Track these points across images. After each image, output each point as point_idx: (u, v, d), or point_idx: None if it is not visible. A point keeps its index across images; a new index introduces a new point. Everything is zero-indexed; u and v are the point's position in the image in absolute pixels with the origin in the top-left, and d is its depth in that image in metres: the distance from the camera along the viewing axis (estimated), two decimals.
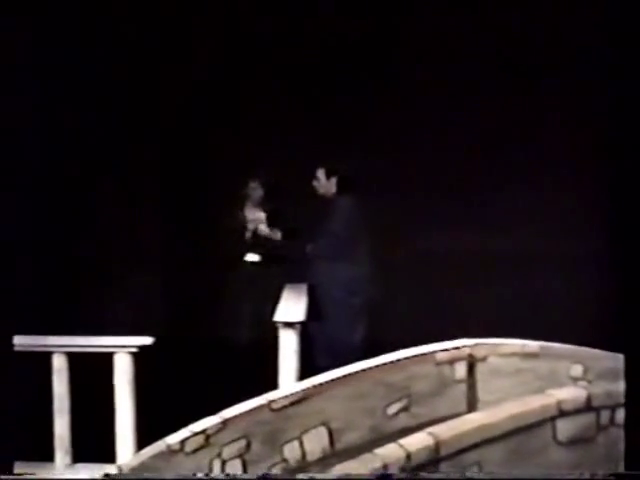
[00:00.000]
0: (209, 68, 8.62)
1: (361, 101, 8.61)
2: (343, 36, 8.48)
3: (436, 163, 8.56)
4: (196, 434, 4.80)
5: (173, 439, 4.79)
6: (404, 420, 5.17)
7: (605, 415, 4.17)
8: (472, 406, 5.33)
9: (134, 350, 6.56)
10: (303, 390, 5.01)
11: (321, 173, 7.69)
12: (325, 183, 7.65)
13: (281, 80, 8.64)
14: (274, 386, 6.13)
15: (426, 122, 8.64)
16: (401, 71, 8.63)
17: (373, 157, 8.29)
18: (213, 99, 8.68)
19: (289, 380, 6.40)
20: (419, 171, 8.50)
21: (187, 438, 4.79)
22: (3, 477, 3.77)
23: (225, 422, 4.86)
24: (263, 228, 8.18)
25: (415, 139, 8.67)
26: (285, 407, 4.96)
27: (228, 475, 4.50)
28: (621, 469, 4.20)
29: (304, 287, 7.65)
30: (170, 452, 4.74)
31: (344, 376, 5.08)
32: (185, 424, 4.90)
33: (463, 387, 5.45)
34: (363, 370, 5.14)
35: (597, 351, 5.70)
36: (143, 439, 5.91)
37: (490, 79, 8.47)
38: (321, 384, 5.05)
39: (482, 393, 5.44)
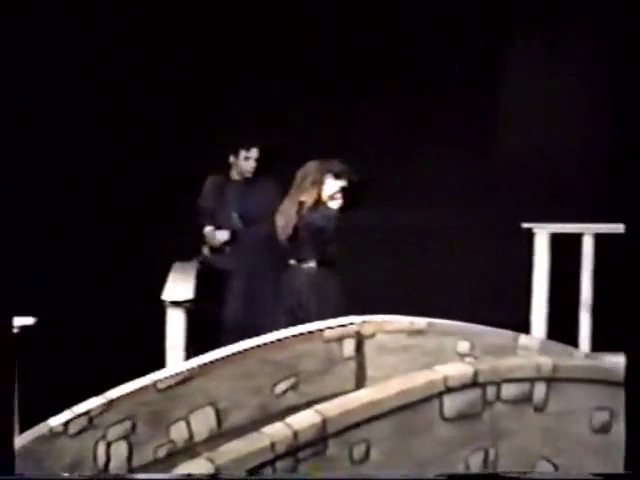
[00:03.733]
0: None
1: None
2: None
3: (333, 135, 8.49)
4: (79, 416, 4.70)
5: (56, 421, 4.69)
6: (292, 399, 5.15)
7: (491, 391, 4.20)
8: (360, 383, 5.33)
9: (15, 331, 6.38)
10: (189, 370, 4.95)
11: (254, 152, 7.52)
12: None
13: None
14: (162, 366, 6.04)
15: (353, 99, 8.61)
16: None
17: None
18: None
19: (177, 360, 6.33)
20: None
21: (70, 420, 4.69)
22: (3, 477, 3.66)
23: (110, 403, 4.77)
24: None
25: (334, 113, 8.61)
26: (171, 387, 4.89)
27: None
28: (507, 444, 4.24)
29: (193, 265, 7.57)
30: (53, 435, 4.64)
31: (230, 355, 5.03)
32: (69, 406, 4.79)
33: (351, 364, 5.44)
34: (250, 349, 5.10)
35: (484, 327, 5.75)
36: (25, 422, 5.76)
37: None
38: (207, 364, 4.99)
39: (370, 370, 5.44)
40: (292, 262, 6.58)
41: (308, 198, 6.51)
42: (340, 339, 5.41)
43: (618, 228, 8.45)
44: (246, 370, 5.07)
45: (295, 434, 3.73)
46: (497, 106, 9.02)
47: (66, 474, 3.93)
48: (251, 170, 7.70)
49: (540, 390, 4.33)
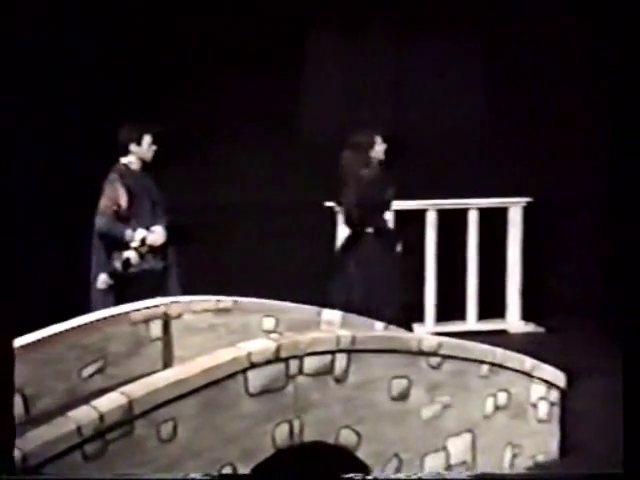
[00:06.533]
0: None
1: None
2: None
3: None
4: None
5: None
6: (100, 382, 5.15)
7: (294, 365, 4.34)
8: (168, 363, 5.39)
9: None
10: None
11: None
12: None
13: None
14: None
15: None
16: None
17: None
18: None
19: None
20: None
21: None
22: (3, 477, 3.52)
23: None
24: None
25: None
26: None
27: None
28: (311, 415, 4.39)
29: None
30: None
31: (37, 341, 4.99)
32: None
33: (159, 345, 5.50)
34: (56, 334, 5.07)
35: (288, 304, 5.91)
36: None
37: None
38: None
39: (177, 350, 5.51)
40: (352, 230, 7.12)
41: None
42: (147, 320, 5.45)
43: (420, 204, 8.84)
44: (53, 355, 5.04)
45: (101, 417, 3.76)
46: (301, 95, 9.21)
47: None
48: (152, 156, 6.87)
49: (341, 362, 4.51)
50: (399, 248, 7.28)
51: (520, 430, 5.32)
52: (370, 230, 6.94)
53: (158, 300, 5.63)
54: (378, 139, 7.13)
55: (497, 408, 5.19)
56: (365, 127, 7.31)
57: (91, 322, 5.28)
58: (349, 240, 7.17)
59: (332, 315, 5.92)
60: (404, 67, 9.23)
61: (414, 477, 4.55)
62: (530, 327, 8.88)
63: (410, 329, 6.56)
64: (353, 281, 6.99)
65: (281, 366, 4.30)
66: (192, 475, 3.98)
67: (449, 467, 4.96)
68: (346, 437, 4.57)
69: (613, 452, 4.18)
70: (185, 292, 6.25)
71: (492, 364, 5.15)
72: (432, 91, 9.08)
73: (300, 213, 8.75)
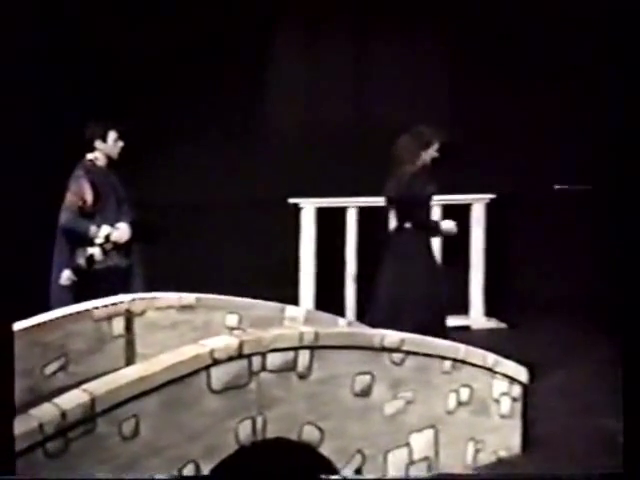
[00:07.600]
0: None
1: None
2: None
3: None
4: None
5: None
6: (62, 379, 5.13)
7: (257, 361, 4.35)
8: (130, 361, 5.37)
9: None
10: None
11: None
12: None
13: None
14: None
15: None
16: None
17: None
18: None
19: None
20: None
21: None
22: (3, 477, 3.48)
23: None
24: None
25: None
26: None
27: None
28: (274, 412, 4.39)
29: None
30: None
31: None
32: None
33: (122, 342, 5.48)
34: (18, 331, 5.02)
35: (251, 300, 5.91)
36: None
37: None
38: None
39: (140, 347, 5.50)
40: (394, 224, 7.03)
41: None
42: (110, 318, 5.43)
43: (380, 201, 8.84)
44: (15, 352, 5.00)
45: (63, 414, 3.75)
46: (264, 93, 9.24)
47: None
48: (118, 152, 6.83)
49: (304, 358, 4.52)
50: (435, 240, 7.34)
51: (482, 425, 5.35)
52: (408, 225, 6.90)
53: (121, 297, 5.60)
54: (437, 144, 6.97)
55: (460, 404, 5.22)
56: (433, 126, 7.17)
57: (53, 319, 5.25)
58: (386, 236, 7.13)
59: (295, 312, 5.93)
60: (367, 66, 9.27)
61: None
62: (493, 323, 8.93)
63: (445, 334, 6.30)
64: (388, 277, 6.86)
65: (244, 363, 4.30)
66: (157, 476, 3.98)
67: (412, 463, 4.98)
68: (309, 433, 4.58)
69: (612, 452, 4.21)
70: (149, 289, 6.24)
71: (454, 360, 5.18)
72: (394, 89, 9.12)
73: (264, 210, 8.76)
